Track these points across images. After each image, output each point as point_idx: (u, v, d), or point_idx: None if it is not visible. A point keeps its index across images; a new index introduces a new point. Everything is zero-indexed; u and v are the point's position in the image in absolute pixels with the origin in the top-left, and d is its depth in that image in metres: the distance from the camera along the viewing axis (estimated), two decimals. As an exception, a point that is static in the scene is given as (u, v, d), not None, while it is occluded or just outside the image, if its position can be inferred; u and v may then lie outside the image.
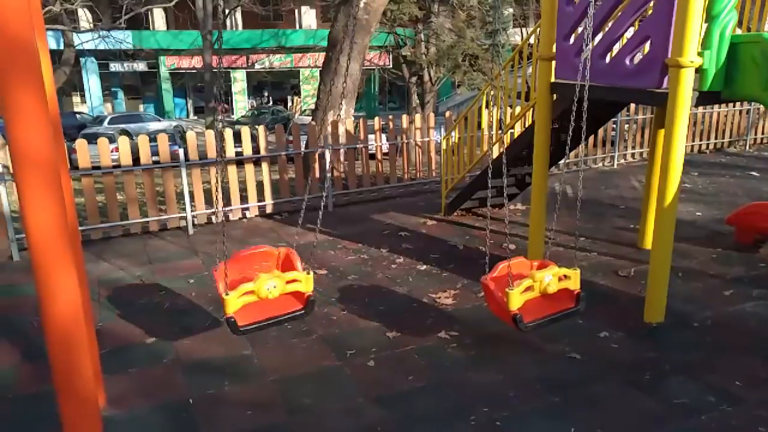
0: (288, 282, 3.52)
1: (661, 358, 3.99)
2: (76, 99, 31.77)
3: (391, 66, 27.64)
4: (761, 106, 10.09)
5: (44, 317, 2.38)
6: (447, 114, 9.53)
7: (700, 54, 4.03)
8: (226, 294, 3.33)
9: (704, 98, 4.25)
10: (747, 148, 11.63)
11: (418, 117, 9.17)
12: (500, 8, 19.66)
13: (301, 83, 33.17)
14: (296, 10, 33.04)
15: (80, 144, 6.91)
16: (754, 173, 9.41)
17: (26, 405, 3.68)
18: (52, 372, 2.46)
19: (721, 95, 4.25)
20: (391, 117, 9.28)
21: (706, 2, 3.99)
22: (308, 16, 33.47)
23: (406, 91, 24.17)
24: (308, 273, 3.59)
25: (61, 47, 18.22)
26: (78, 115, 27.49)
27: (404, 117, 9.10)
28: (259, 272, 3.55)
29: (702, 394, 3.55)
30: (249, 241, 6.84)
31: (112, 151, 7.23)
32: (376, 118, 9.07)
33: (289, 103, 33.93)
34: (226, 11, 27.13)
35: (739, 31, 4.79)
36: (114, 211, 7.12)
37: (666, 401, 3.49)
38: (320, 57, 20.23)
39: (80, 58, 27.72)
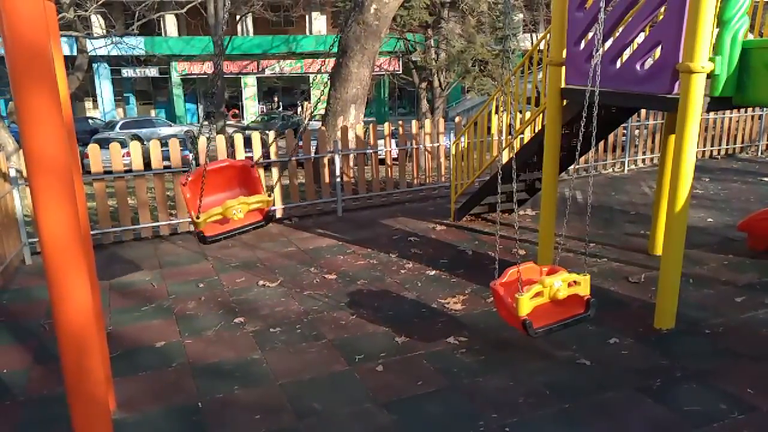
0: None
1: (672, 365, 3.96)
2: (89, 104, 32.10)
3: (401, 71, 27.71)
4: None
5: (56, 320, 2.41)
6: (457, 119, 9.52)
7: (711, 59, 4.02)
8: (197, 218, 3.66)
9: (715, 104, 4.23)
10: (759, 153, 11.54)
11: (427, 122, 9.18)
12: (510, 14, 19.68)
13: (311, 88, 33.33)
14: (307, 16, 33.23)
15: (92, 149, 6.97)
16: (766, 179, 9.33)
17: (37, 407, 3.71)
18: (64, 374, 2.48)
19: (733, 101, 4.23)
20: (401, 122, 9.30)
21: (718, 7, 3.98)
22: (319, 22, 33.63)
23: (416, 97, 24.22)
24: (269, 195, 3.91)
25: (75, 53, 18.43)
26: (90, 120, 27.76)
27: (414, 122, 9.12)
28: (225, 199, 3.84)
29: (714, 401, 3.52)
30: (259, 246, 6.87)
31: (123, 156, 7.28)
32: (386, 124, 9.09)
33: (299, 109, 34.09)
34: (237, 17, 27.30)
35: (751, 37, 4.77)
36: (125, 216, 7.19)
37: (677, 409, 3.46)
38: (330, 62, 20.38)
39: (93, 64, 28.00)
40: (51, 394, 3.82)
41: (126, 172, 7.13)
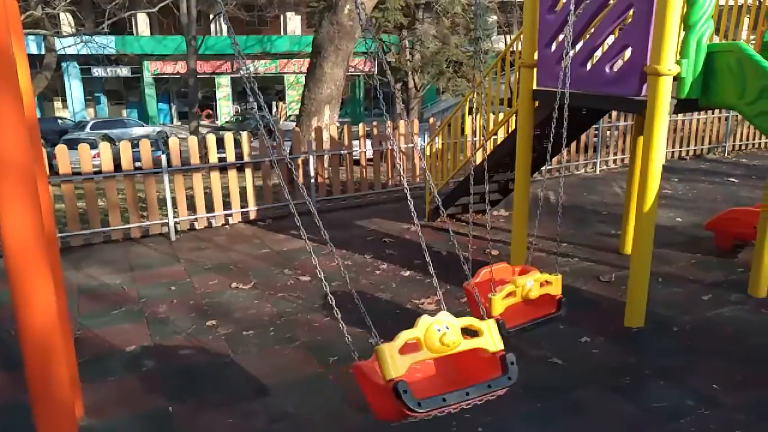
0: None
1: (641, 362, 4.02)
2: (58, 104, 31.41)
3: (375, 72, 27.75)
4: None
5: (19, 325, 2.35)
6: (431, 120, 9.56)
7: (677, 62, 4.10)
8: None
9: (682, 106, 4.32)
10: (726, 154, 11.81)
11: (402, 123, 9.19)
12: (483, 16, 19.83)
13: (286, 89, 33.14)
14: (281, 16, 33.02)
15: (60, 149, 6.82)
16: (732, 179, 9.55)
17: (2, 415, 3.62)
18: (28, 381, 2.42)
19: (699, 103, 4.32)
20: (374, 123, 9.30)
21: (684, 11, 4.06)
22: (293, 22, 33.46)
23: (391, 98, 24.26)
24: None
25: (43, 52, 18.04)
26: (59, 121, 27.11)
27: (388, 123, 9.12)
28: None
29: (681, 398, 3.59)
30: (232, 248, 6.80)
31: (93, 157, 7.14)
32: (361, 124, 9.07)
33: (274, 109, 33.83)
34: (211, 16, 27.02)
35: (716, 40, 4.87)
36: (95, 218, 7.04)
37: (646, 406, 3.52)
38: (305, 63, 20.34)
39: (62, 63, 27.42)
40: (16, 402, 3.72)
41: (95, 173, 6.99)
